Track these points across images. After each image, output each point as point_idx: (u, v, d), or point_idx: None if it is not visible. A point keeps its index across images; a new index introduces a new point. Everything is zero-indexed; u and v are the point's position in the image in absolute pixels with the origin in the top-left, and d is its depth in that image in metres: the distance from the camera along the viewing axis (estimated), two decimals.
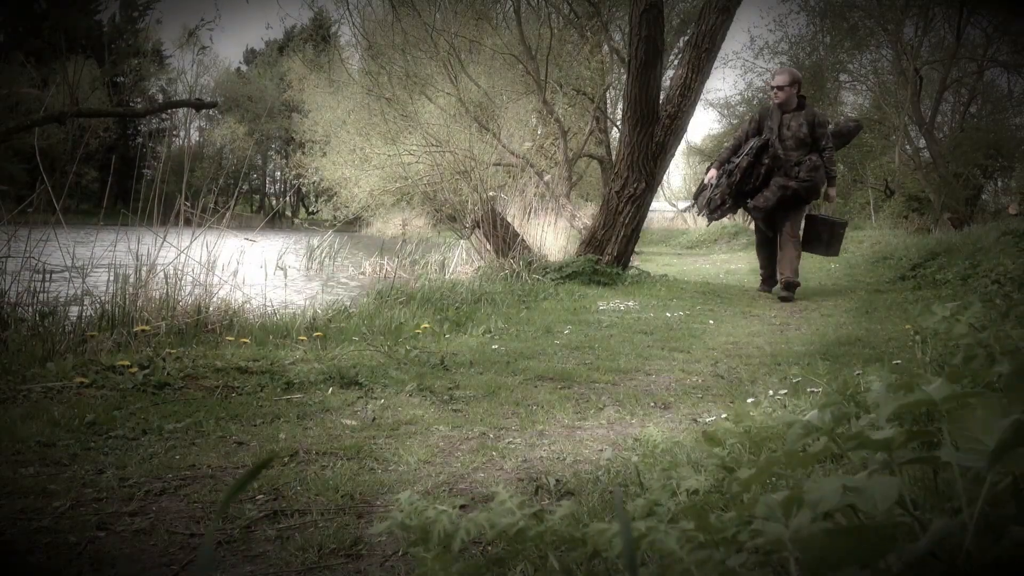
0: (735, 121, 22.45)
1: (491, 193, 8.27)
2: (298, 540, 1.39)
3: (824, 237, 6.55)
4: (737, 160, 6.33)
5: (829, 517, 0.63)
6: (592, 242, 7.18)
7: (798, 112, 6.21)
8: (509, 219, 8.15)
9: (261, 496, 1.60)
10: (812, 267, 10.23)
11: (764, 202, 6.24)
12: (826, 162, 6.21)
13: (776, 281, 6.40)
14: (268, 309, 4.20)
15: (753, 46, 25.86)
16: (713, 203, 6.40)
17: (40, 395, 2.41)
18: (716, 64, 7.46)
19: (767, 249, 6.66)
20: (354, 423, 2.21)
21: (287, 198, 40.95)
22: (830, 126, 6.62)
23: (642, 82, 6.72)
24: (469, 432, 2.14)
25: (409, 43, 11.03)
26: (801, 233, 6.42)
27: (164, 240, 3.82)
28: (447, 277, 6.93)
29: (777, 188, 6.16)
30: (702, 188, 6.63)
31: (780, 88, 6.23)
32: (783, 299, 6.03)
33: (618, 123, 12.26)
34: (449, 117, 11.02)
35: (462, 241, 8.56)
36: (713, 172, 6.54)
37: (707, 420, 2.27)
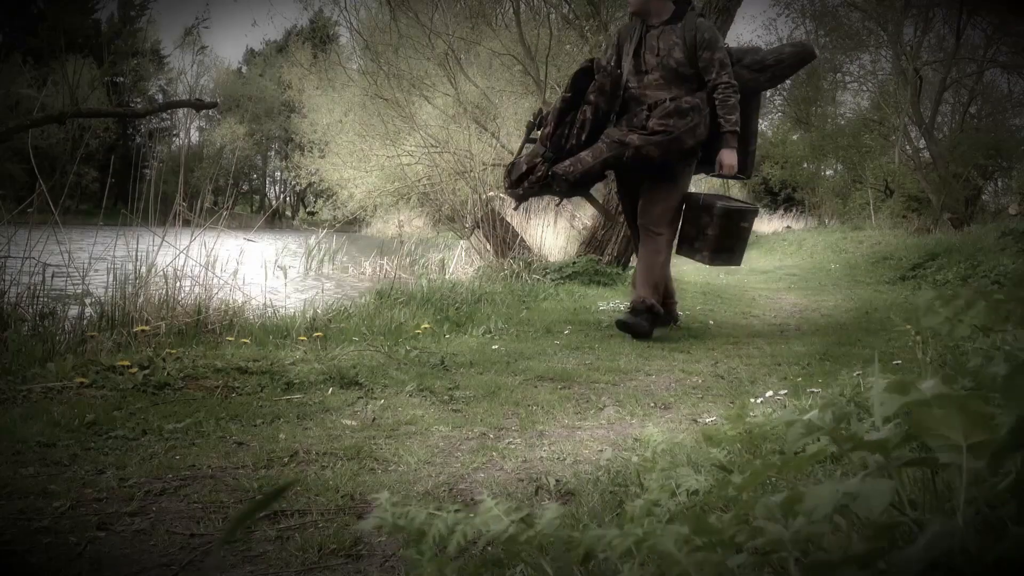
0: None
1: (490, 193, 8.27)
2: (298, 540, 1.39)
3: (710, 233, 3.92)
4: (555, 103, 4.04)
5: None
6: (592, 242, 7.18)
7: (670, 27, 3.87)
8: (509, 219, 8.15)
9: (261, 497, 1.60)
10: (811, 266, 10.24)
11: (572, 169, 3.78)
12: (718, 106, 3.81)
13: (669, 308, 4.06)
14: (268, 309, 4.20)
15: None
16: (515, 171, 3.96)
17: (40, 395, 2.41)
18: None
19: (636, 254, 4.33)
20: (354, 423, 2.22)
21: (286, 198, 40.98)
22: (743, 51, 4.15)
23: None
24: (469, 432, 2.14)
25: (406, 44, 11.04)
26: (671, 224, 4.04)
27: (164, 240, 3.82)
28: (447, 277, 6.94)
29: (607, 145, 3.78)
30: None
31: None
32: (622, 327, 3.85)
33: None
34: (448, 118, 11.03)
35: (462, 241, 8.57)
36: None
37: (707, 420, 2.27)
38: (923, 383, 0.69)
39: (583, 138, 3.84)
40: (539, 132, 4.02)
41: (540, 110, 4.13)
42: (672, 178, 4.00)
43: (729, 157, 3.90)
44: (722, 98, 3.83)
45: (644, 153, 3.80)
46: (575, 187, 3.97)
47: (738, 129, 3.87)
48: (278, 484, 1.67)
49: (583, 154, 3.82)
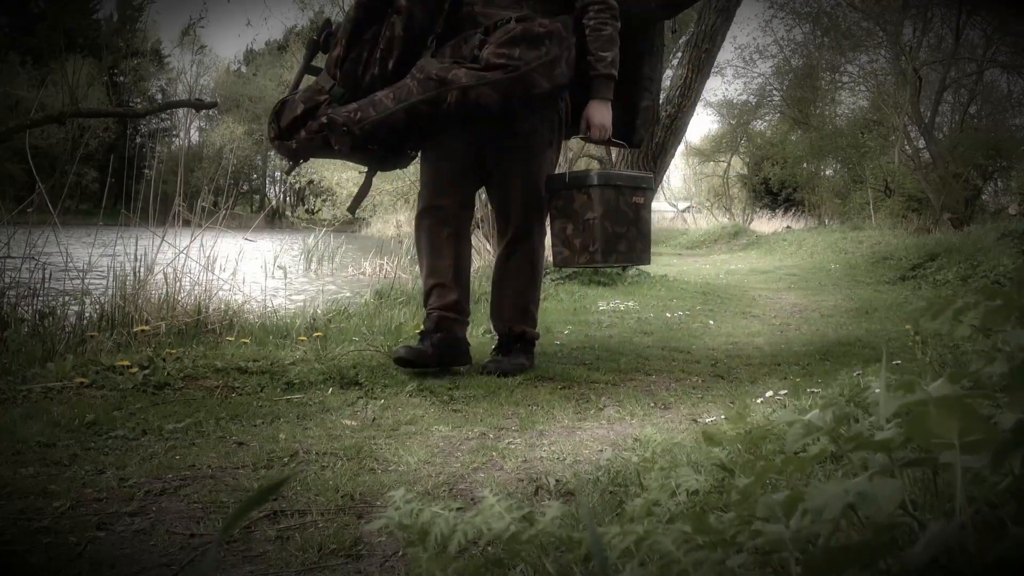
0: (733, 122, 22.38)
1: None
2: (298, 540, 1.39)
3: (592, 218, 2.69)
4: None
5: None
6: None
7: None
8: None
9: (258, 491, 1.60)
10: (811, 266, 10.23)
11: (360, 116, 2.55)
12: (588, 36, 2.66)
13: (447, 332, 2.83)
14: (268, 309, 4.20)
15: (744, 53, 25.96)
16: (287, 114, 2.67)
17: (40, 395, 2.41)
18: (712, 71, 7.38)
19: (446, 243, 2.81)
20: (354, 423, 2.22)
21: (286, 198, 40.99)
22: None
23: None
24: (469, 432, 2.14)
25: None
26: (541, 216, 2.87)
27: (163, 240, 3.82)
28: None
29: (418, 84, 2.53)
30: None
31: None
32: (499, 373, 2.78)
33: None
34: None
35: None
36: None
37: (707, 420, 2.27)
38: (931, 384, 0.69)
39: (390, 65, 2.63)
40: (327, 57, 2.75)
41: (327, 21, 2.85)
42: (526, 145, 2.75)
43: (600, 113, 2.70)
44: (595, 24, 2.65)
45: (474, 98, 2.51)
46: (348, 138, 2.58)
47: (615, 73, 2.70)
48: (270, 481, 1.67)
49: (379, 95, 2.56)
